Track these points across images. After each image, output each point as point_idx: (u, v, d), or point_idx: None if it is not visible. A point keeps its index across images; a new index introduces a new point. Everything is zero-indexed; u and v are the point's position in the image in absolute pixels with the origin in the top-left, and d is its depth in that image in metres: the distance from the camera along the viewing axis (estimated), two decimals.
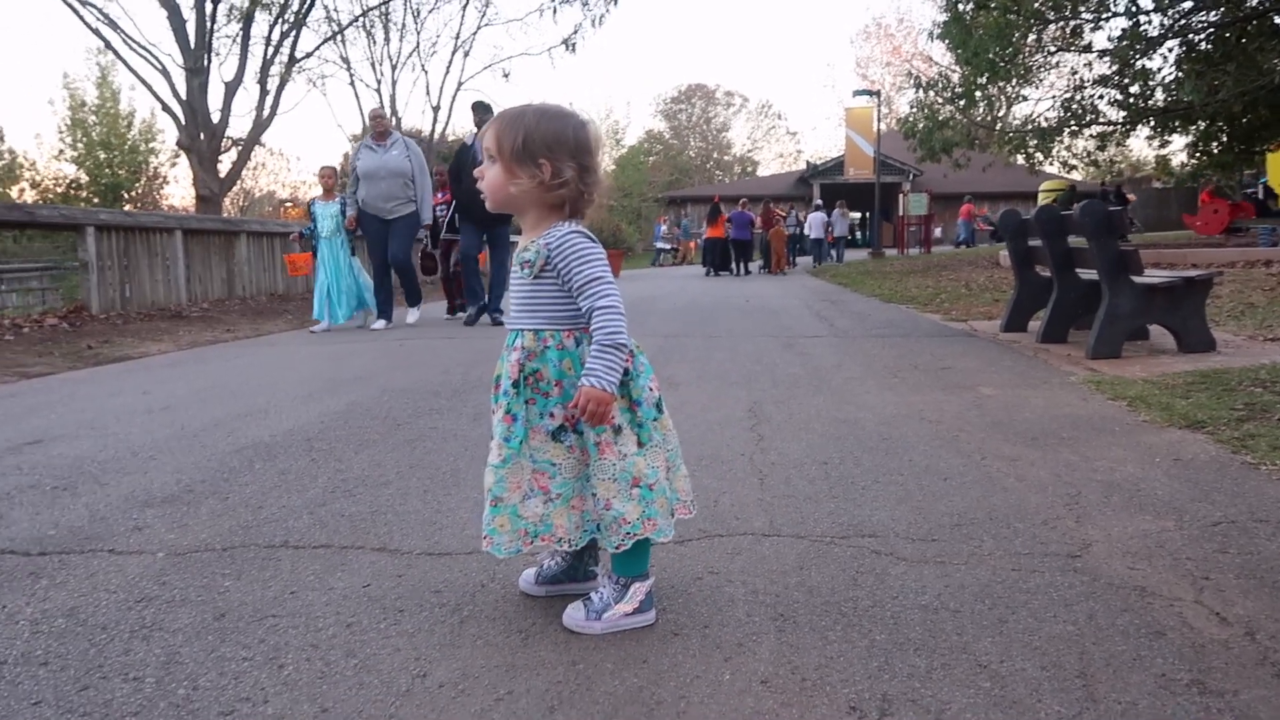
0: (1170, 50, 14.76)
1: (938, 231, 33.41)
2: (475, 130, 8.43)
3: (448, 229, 9.61)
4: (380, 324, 8.57)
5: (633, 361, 1.78)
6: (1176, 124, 15.50)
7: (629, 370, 1.76)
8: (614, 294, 1.71)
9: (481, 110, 8.41)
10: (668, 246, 34.04)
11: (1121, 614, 1.80)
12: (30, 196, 36.52)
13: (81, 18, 18.57)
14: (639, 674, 1.60)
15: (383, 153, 8.53)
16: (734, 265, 21.46)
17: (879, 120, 27.54)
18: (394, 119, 30.07)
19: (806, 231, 25.94)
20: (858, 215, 39.96)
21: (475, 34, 40.22)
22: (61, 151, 38.29)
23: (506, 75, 40.39)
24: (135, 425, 3.96)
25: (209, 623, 1.86)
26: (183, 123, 19.77)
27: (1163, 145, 18.62)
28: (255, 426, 3.87)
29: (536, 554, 2.06)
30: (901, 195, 28.74)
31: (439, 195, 9.66)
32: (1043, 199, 18.37)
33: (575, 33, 27.02)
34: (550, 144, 1.73)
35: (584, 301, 1.71)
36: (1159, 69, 15.79)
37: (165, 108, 19.87)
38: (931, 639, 1.71)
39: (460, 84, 35.54)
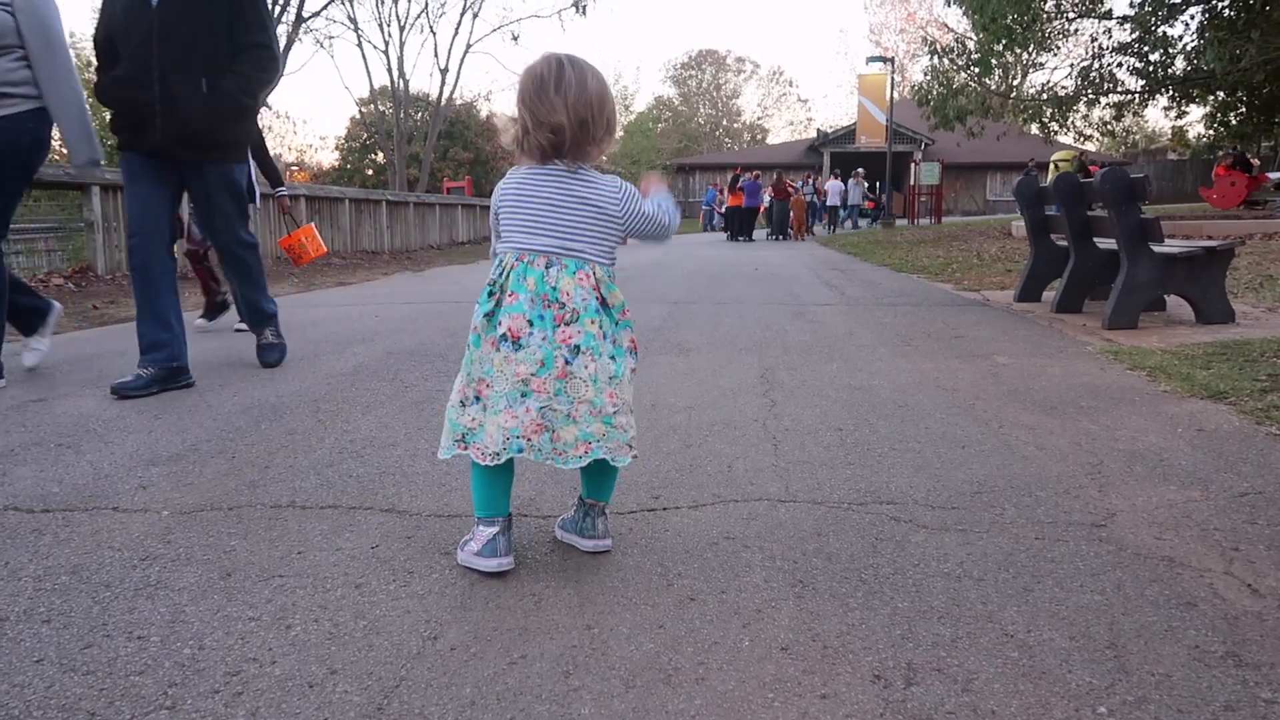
0: (1192, 17, 14.49)
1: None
2: None
3: None
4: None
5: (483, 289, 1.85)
6: (1196, 93, 15.26)
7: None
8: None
9: None
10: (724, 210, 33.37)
11: (1150, 584, 1.76)
12: None
13: None
14: (655, 639, 1.56)
15: None
16: (744, 233, 22.01)
17: (892, 88, 27.20)
18: (402, 81, 29.83)
19: (818, 199, 26.21)
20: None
21: None
22: None
23: (516, 38, 40.06)
24: None
25: (215, 582, 1.82)
26: None
27: (1180, 116, 18.38)
28: (261, 387, 3.83)
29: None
30: (913, 164, 28.44)
31: None
32: (1053, 169, 18.15)
33: None
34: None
35: None
36: (1180, 36, 15.48)
37: None
38: (955, 607, 1.66)
39: (469, 46, 35.26)
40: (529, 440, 1.79)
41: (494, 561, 1.84)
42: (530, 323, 1.79)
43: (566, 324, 1.80)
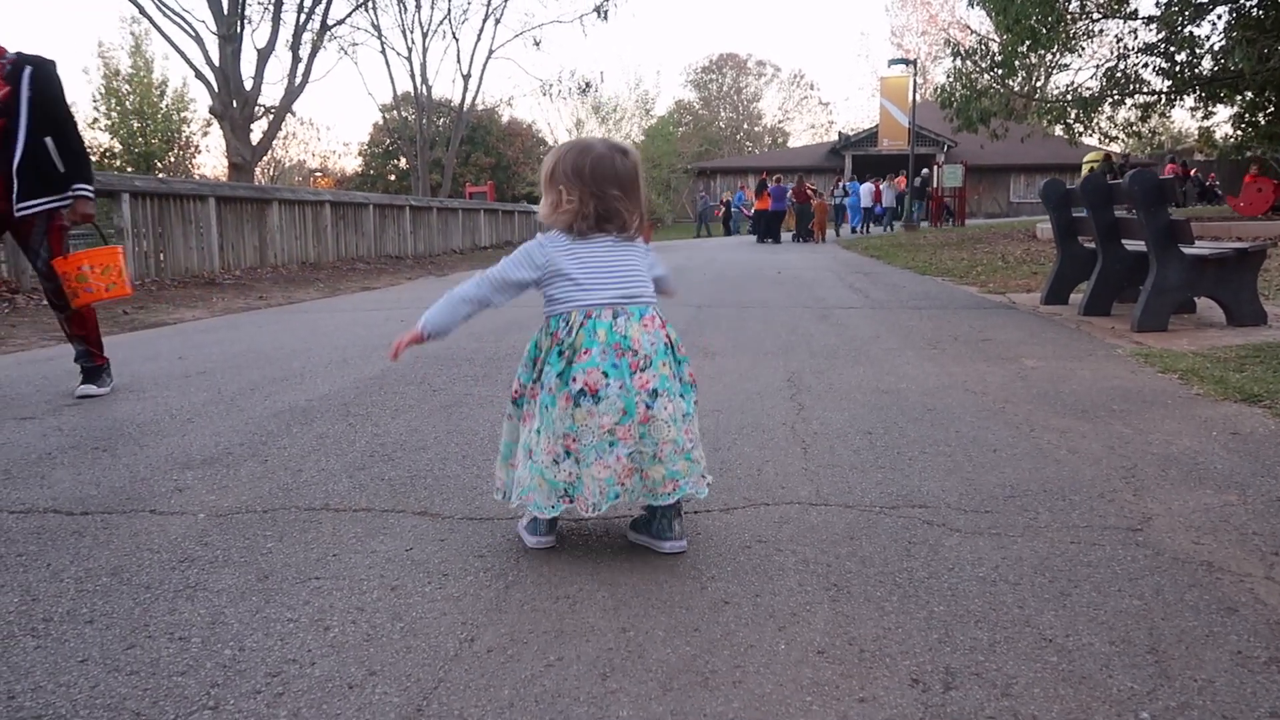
0: (1219, 16, 14.30)
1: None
2: None
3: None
4: None
5: (548, 350, 1.91)
6: (1223, 93, 15.05)
7: (541, 356, 1.93)
8: (488, 271, 1.97)
9: None
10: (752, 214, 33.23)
11: (1190, 589, 1.74)
12: None
13: None
14: (691, 642, 1.56)
15: None
16: (772, 233, 23.02)
17: (914, 90, 27.06)
18: (424, 87, 30.03)
19: (849, 201, 26.79)
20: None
21: (507, 0, 39.87)
22: (95, 120, 38.63)
23: (538, 43, 40.10)
24: (172, 389, 3.97)
25: (253, 584, 1.84)
26: (216, 90, 19.81)
27: (1206, 116, 18.13)
28: (291, 391, 3.86)
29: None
30: (936, 167, 28.26)
31: None
32: (1087, 170, 17.98)
33: None
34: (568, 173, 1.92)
35: None
36: (1207, 36, 15.30)
37: (199, 75, 19.90)
38: (992, 611, 1.65)
39: (491, 52, 35.43)
40: (623, 485, 1.87)
41: (534, 539, 1.99)
42: (605, 374, 1.85)
43: (641, 370, 1.87)
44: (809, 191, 24.19)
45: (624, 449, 1.86)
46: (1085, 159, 18.79)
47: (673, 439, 1.89)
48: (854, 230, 26.72)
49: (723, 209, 33.72)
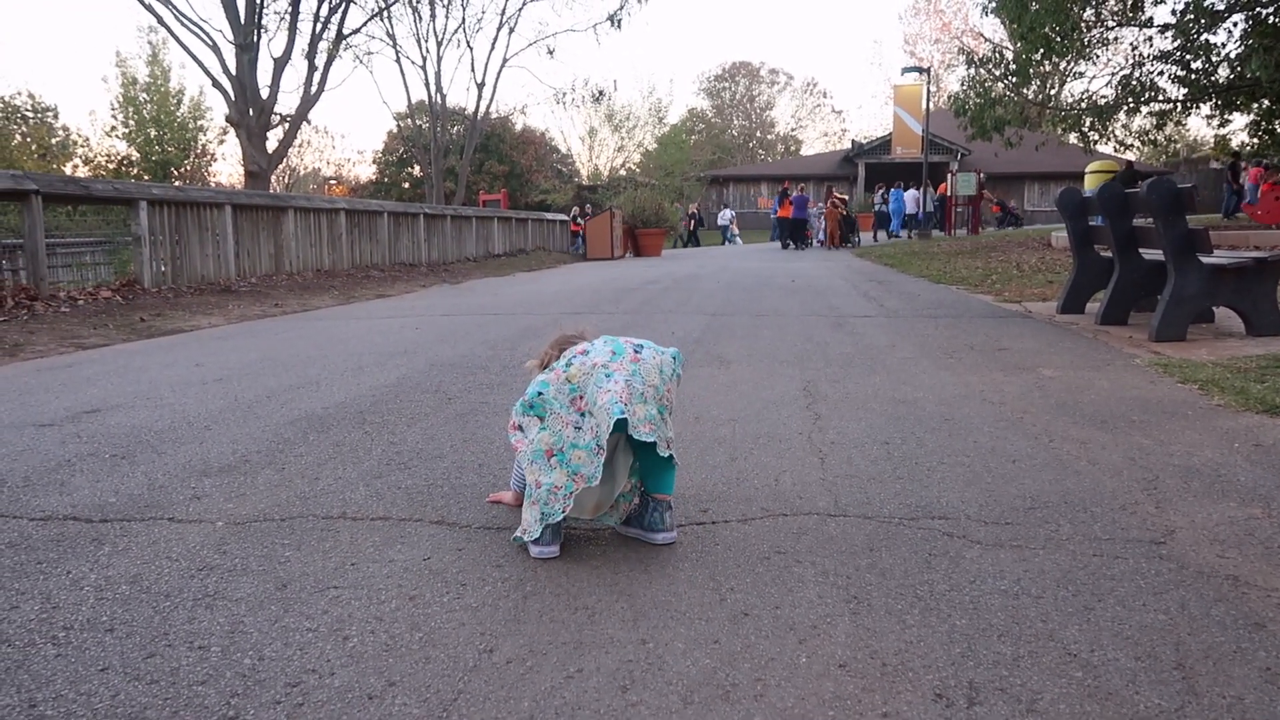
0: (1235, 24, 14.23)
1: None
2: None
3: None
4: None
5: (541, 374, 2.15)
6: (1240, 101, 14.96)
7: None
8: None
9: None
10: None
11: (1215, 604, 1.72)
12: (83, 172, 37.18)
13: None
14: (711, 655, 1.55)
15: None
16: (795, 241, 24.42)
17: (927, 99, 27.01)
18: (439, 96, 30.21)
19: (892, 208, 28.25)
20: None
21: (521, 9, 39.90)
22: (113, 128, 38.99)
23: (551, 52, 40.29)
24: (190, 396, 3.98)
25: (271, 592, 1.84)
26: (232, 98, 19.94)
27: (1222, 124, 18.03)
28: (307, 398, 3.87)
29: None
30: (950, 175, 28.17)
31: None
32: (1090, 181, 17.84)
33: (621, 8, 26.77)
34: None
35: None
36: (1223, 43, 15.23)
37: (215, 84, 20.04)
38: (1015, 625, 1.64)
39: (505, 60, 35.60)
40: (626, 404, 1.94)
41: (536, 549, 2.02)
42: (590, 341, 2.15)
43: (626, 337, 2.13)
44: (836, 200, 24.65)
45: (621, 376, 1.99)
46: (1089, 168, 18.60)
47: (654, 384, 2.03)
48: (893, 235, 27.54)
49: (690, 221, 34.19)
